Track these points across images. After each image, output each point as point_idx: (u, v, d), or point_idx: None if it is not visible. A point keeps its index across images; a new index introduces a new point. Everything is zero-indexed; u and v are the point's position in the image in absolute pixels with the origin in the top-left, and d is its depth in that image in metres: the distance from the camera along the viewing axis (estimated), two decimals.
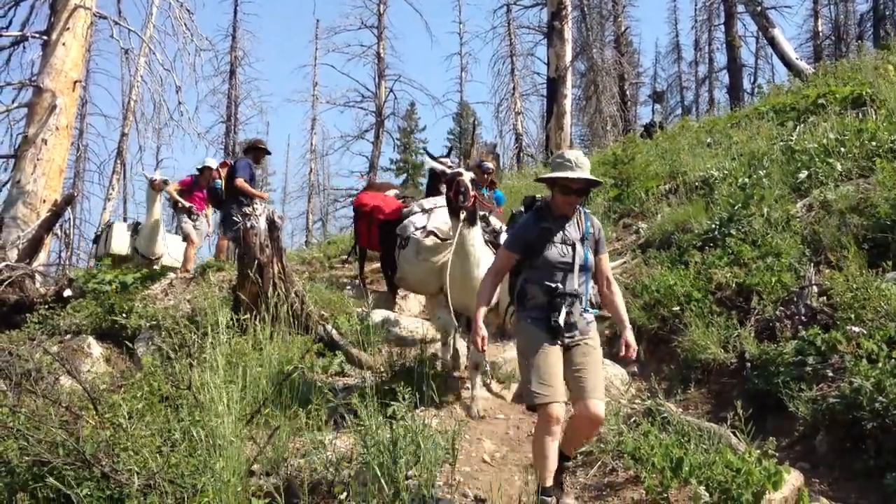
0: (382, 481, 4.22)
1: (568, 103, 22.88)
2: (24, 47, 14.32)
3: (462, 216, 5.89)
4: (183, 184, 12.29)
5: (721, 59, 37.83)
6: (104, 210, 24.29)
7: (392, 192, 10.33)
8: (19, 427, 4.13)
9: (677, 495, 4.58)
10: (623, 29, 31.95)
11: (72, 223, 20.34)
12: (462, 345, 7.13)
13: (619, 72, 28.29)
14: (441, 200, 6.80)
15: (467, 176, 5.89)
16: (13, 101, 13.70)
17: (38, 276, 10.06)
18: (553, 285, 4.43)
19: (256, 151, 11.61)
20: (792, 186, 8.93)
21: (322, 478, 4.38)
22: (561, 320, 4.37)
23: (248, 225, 6.97)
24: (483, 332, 4.48)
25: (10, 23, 14.18)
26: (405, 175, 42.53)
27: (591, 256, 4.58)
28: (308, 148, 38.83)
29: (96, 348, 7.53)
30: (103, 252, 11.99)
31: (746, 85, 33.59)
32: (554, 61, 22.54)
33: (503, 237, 6.33)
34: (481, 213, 7.55)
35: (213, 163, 12.31)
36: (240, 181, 10.67)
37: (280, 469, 4.45)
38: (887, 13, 37.77)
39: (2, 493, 3.97)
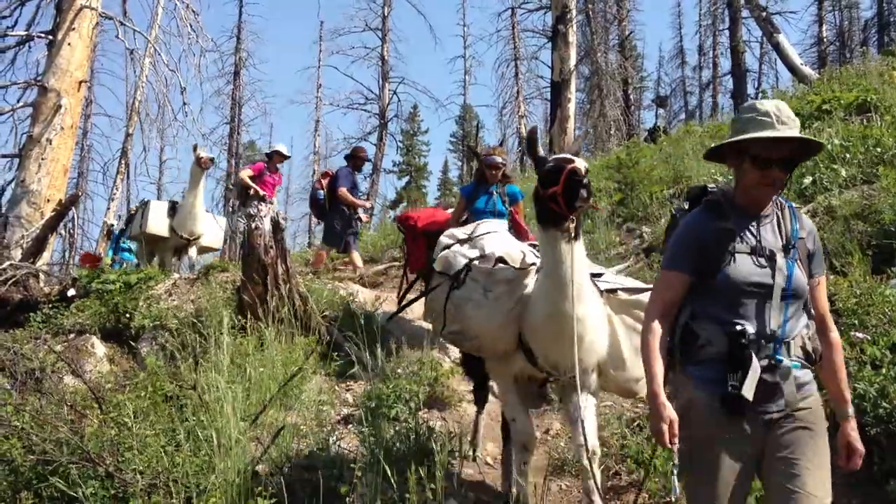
0: (392, 483, 4.23)
1: (572, 107, 22.82)
2: (29, 47, 14.34)
3: (567, 225, 3.90)
4: (255, 170, 12.03)
5: (725, 63, 37.89)
6: (108, 210, 24.30)
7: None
8: (24, 426, 4.14)
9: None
10: (627, 33, 32.00)
11: (75, 223, 20.35)
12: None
13: (623, 76, 28.34)
14: (483, 227, 5.37)
15: (582, 163, 3.87)
16: (18, 101, 13.73)
17: (42, 276, 10.07)
18: (739, 324, 2.91)
19: (356, 159, 11.41)
20: (797, 192, 8.92)
21: (326, 478, 4.38)
22: (750, 389, 2.83)
23: (253, 226, 6.98)
24: (670, 413, 2.83)
25: (16, 22, 14.20)
26: (408, 178, 42.60)
27: (801, 275, 3.02)
28: (312, 150, 38.94)
29: (100, 348, 7.54)
30: (138, 231, 11.87)
31: (750, 90, 33.61)
32: (558, 65, 22.48)
33: (531, 257, 4.59)
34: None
35: (283, 148, 12.34)
36: (342, 191, 10.62)
37: (284, 469, 4.46)
38: (892, 19, 37.81)
39: (6, 491, 3.98)
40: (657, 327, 3.02)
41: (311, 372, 6.25)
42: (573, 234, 3.92)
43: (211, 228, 12.01)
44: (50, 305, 8.47)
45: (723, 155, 3.18)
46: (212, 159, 11.92)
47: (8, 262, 9.33)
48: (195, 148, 11.79)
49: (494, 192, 7.51)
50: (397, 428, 5.03)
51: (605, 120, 25.32)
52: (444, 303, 4.65)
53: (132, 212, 13.13)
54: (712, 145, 3.26)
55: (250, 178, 11.76)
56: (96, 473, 3.81)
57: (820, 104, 12.27)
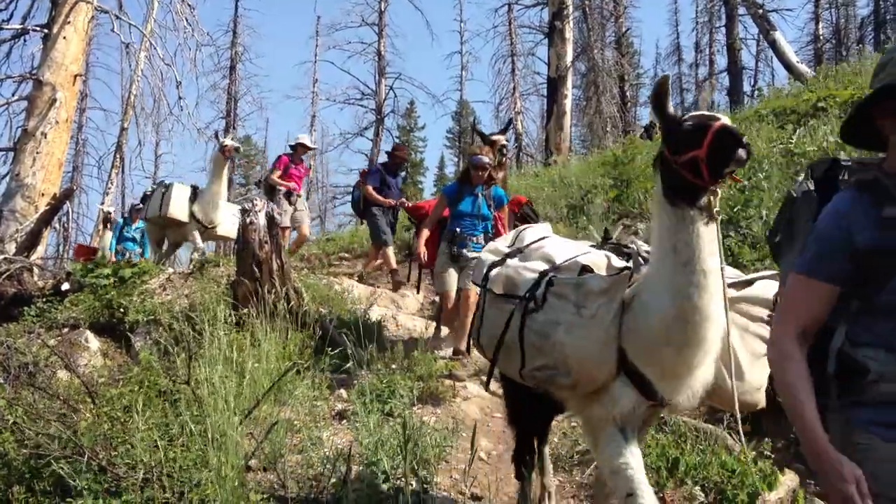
0: (380, 478, 4.24)
1: (568, 103, 22.92)
2: (24, 40, 14.36)
3: (708, 200, 3.10)
4: (281, 165, 11.93)
5: (722, 61, 37.93)
6: (102, 204, 24.28)
7: None
8: (16, 420, 4.13)
9: (673, 495, 4.59)
10: (624, 30, 32.01)
11: (70, 217, 20.35)
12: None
13: (620, 73, 28.35)
14: (529, 233, 4.48)
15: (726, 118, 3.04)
16: (13, 94, 13.76)
17: (36, 270, 10.05)
18: None
19: (393, 157, 11.27)
20: (791, 189, 8.93)
21: (319, 474, 4.38)
22: None
23: (248, 221, 6.97)
24: (853, 471, 2.18)
25: (11, 16, 14.22)
26: (404, 173, 42.59)
27: None
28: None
29: (94, 342, 7.53)
30: (155, 213, 11.70)
31: (747, 87, 33.68)
32: (554, 61, 22.57)
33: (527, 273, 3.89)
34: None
35: (307, 139, 12.33)
36: (367, 189, 10.59)
37: (277, 465, 4.46)
38: (888, 17, 37.84)
39: None
40: (796, 352, 2.34)
41: (306, 367, 6.25)
42: (712, 212, 3.07)
43: (229, 218, 11.91)
44: (44, 299, 8.45)
45: (864, 125, 2.43)
46: (237, 148, 11.78)
47: (2, 256, 9.32)
48: (217, 135, 11.66)
49: (480, 195, 7.37)
50: (391, 423, 5.03)
51: (602, 117, 25.31)
52: (520, 333, 3.65)
53: (148, 192, 12.85)
54: (858, 102, 2.43)
55: (278, 175, 11.73)
56: (89, 467, 3.80)
57: (815, 102, 12.31)
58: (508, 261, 4.15)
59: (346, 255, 14.53)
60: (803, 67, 19.28)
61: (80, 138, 33.64)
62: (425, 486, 4.42)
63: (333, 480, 4.12)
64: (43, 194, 12.44)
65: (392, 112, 34.79)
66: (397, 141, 11.02)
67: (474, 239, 7.29)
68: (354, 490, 4.10)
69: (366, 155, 34.58)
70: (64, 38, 13.17)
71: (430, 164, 49.33)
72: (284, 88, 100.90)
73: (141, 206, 13.23)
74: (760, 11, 20.72)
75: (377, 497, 4.04)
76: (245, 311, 6.20)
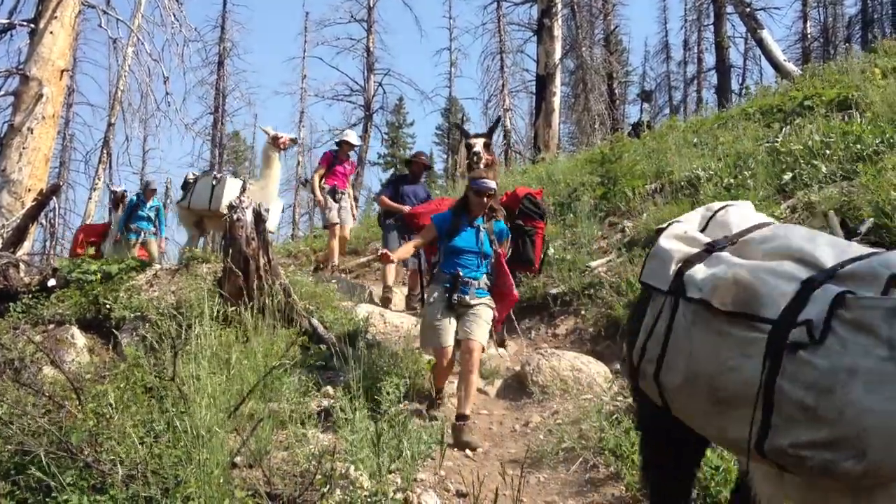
0: (365, 475, 4.25)
1: (557, 101, 22.97)
2: (11, 35, 14.29)
3: None
4: (324, 162, 11.61)
5: (710, 59, 38.13)
6: (89, 200, 24.18)
7: None
8: (1, 416, 4.13)
9: None
10: (612, 27, 32.06)
11: (57, 213, 20.23)
12: None
13: (608, 70, 28.38)
14: (734, 212, 3.17)
15: None
16: None
17: (22, 266, 10.01)
18: None
19: (413, 165, 10.76)
20: (777, 188, 9.00)
21: (304, 471, 4.39)
22: None
23: (235, 217, 6.97)
24: None
25: None
26: (392, 170, 42.58)
27: None
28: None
29: (80, 338, 7.51)
30: (202, 206, 11.52)
31: (734, 85, 33.79)
32: (543, 58, 22.61)
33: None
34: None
35: (352, 136, 12.00)
36: (381, 199, 10.34)
37: (263, 461, 4.46)
38: (875, 16, 38.03)
39: None
40: None
41: (293, 363, 6.25)
42: None
43: (275, 214, 11.73)
44: (30, 295, 8.42)
45: None
46: (293, 139, 11.51)
47: None
48: (267, 129, 11.45)
49: (482, 228, 6.27)
50: (377, 420, 5.05)
51: (590, 114, 25.37)
52: (768, 381, 2.29)
53: (191, 180, 12.38)
54: None
55: (320, 176, 11.42)
56: (75, 464, 3.81)
57: (802, 100, 12.37)
58: (720, 255, 2.82)
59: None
60: (790, 66, 19.36)
61: (67, 133, 33.50)
62: (410, 482, 4.44)
63: (319, 477, 4.13)
64: (29, 190, 12.38)
65: (381, 108, 34.82)
66: (418, 151, 10.56)
67: (477, 283, 6.14)
68: (340, 487, 4.11)
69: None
70: (51, 33, 13.11)
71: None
72: (273, 84, 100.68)
73: (183, 194, 12.60)
74: (748, 10, 20.79)
75: (362, 494, 4.05)
76: (232, 307, 6.20)
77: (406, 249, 6.40)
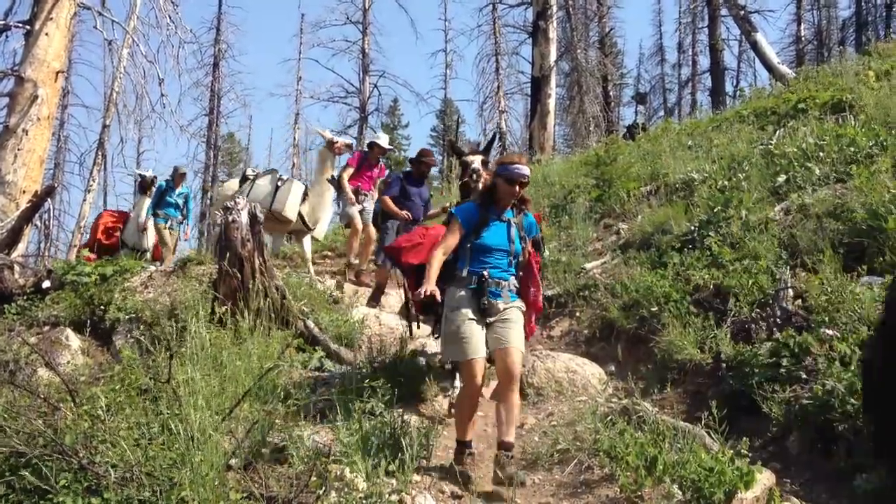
0: (360, 477, 4.26)
1: (552, 103, 22.99)
2: (6, 37, 14.21)
3: None
4: (353, 162, 11.14)
5: (704, 61, 38.26)
6: (84, 202, 24.12)
7: None
8: None
9: (651, 493, 4.63)
10: (607, 30, 32.10)
11: (51, 214, 20.16)
12: None
13: (603, 72, 28.41)
14: None
15: None
16: None
17: (17, 267, 9.99)
18: None
19: (419, 164, 10.20)
20: (770, 190, 9.02)
21: (300, 472, 4.40)
22: None
23: (230, 219, 6.97)
24: None
25: None
26: (388, 172, 42.55)
27: None
28: (291, 142, 38.75)
29: (75, 340, 7.51)
30: (264, 203, 11.02)
31: (729, 88, 33.93)
32: (538, 61, 22.63)
33: None
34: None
35: (384, 140, 11.39)
36: (384, 199, 9.78)
37: (258, 464, 4.47)
38: (870, 19, 38.12)
39: None
40: None
41: (288, 365, 6.26)
42: None
43: (327, 221, 11.65)
44: (25, 297, 8.43)
45: None
46: (349, 145, 11.29)
47: None
48: (324, 132, 11.28)
49: (512, 223, 5.35)
50: (372, 422, 5.05)
51: (585, 116, 25.39)
52: None
53: (249, 175, 12.14)
54: None
55: (349, 174, 10.98)
56: (69, 466, 3.80)
57: (796, 103, 12.40)
58: None
59: (329, 253, 14.53)
60: (784, 68, 19.41)
61: (62, 135, 33.43)
62: (405, 484, 4.45)
63: (314, 479, 4.13)
64: (24, 191, 12.36)
65: (376, 110, 34.86)
66: (423, 149, 9.95)
67: (507, 284, 5.25)
68: (335, 489, 4.12)
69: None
70: (46, 34, 13.10)
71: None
72: (268, 86, 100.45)
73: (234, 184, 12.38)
74: (742, 13, 20.86)
75: (357, 496, 4.06)
76: (227, 309, 6.20)
77: (436, 262, 5.14)
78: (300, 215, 11.22)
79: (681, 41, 42.92)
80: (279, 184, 11.40)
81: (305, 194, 11.33)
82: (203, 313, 5.52)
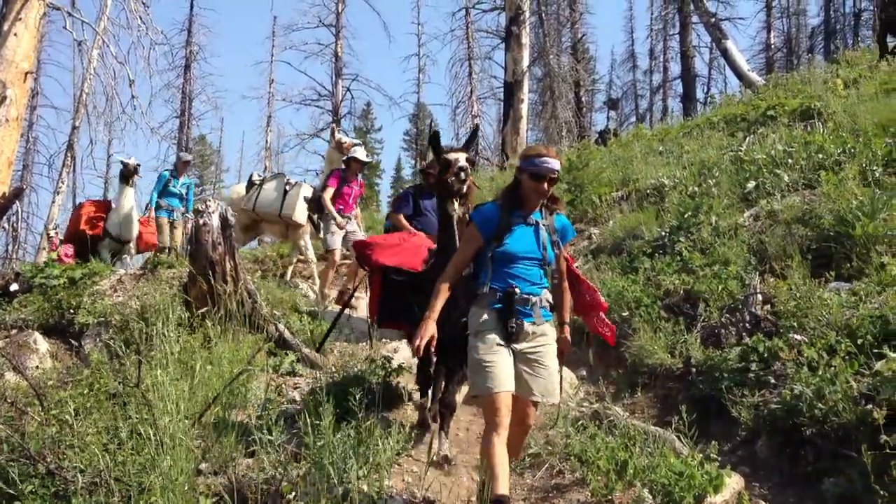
0: (331, 482, 4.24)
1: (524, 108, 23.05)
2: None
3: None
4: (332, 183, 10.26)
5: (675, 68, 38.62)
6: (53, 203, 23.89)
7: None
8: None
9: (622, 497, 4.66)
10: (580, 36, 32.30)
11: (19, 217, 19.97)
12: None
13: (575, 78, 28.57)
14: None
15: None
16: None
17: None
18: None
19: (426, 175, 9.11)
20: (740, 196, 9.11)
21: (270, 477, 4.38)
22: None
23: (201, 222, 6.92)
24: None
25: None
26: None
27: None
28: (263, 145, 38.58)
29: (43, 344, 7.43)
30: (270, 210, 11.13)
31: (700, 94, 34.18)
32: (511, 66, 22.69)
33: None
34: None
35: (361, 153, 10.47)
36: (397, 218, 8.80)
37: (228, 468, 4.44)
38: (838, 27, 38.66)
39: None
40: None
41: (259, 369, 6.23)
42: None
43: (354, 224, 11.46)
44: None
45: None
46: (357, 145, 10.80)
47: None
48: (333, 131, 11.00)
49: (541, 225, 4.40)
50: (343, 426, 5.04)
51: (557, 121, 25.52)
52: None
53: (256, 180, 11.87)
54: None
55: (332, 193, 10.19)
56: (36, 472, 3.77)
57: (765, 110, 12.55)
58: None
59: (301, 258, 14.47)
60: (754, 76, 19.62)
61: (31, 136, 33.13)
62: (377, 489, 4.44)
63: (285, 484, 4.12)
64: None
65: (349, 113, 34.76)
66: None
67: (538, 300, 4.30)
68: (306, 493, 4.10)
69: (322, 156, 34.40)
70: (15, 34, 12.94)
71: (386, 166, 49.51)
72: (240, 88, 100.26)
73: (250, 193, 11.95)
74: (713, 20, 21.05)
75: (329, 501, 4.05)
76: (198, 312, 6.16)
77: (442, 293, 4.29)
78: (310, 218, 11.06)
79: (652, 48, 43.37)
80: (287, 188, 11.26)
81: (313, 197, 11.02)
82: (173, 317, 5.49)
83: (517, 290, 4.22)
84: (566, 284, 4.64)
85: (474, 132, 8.25)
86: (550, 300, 4.40)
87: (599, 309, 5.06)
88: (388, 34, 49.89)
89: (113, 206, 12.72)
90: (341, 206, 10.27)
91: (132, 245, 12.65)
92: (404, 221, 8.70)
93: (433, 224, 8.53)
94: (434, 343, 4.15)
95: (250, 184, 12.05)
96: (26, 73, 13.32)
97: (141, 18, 15.26)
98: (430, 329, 4.12)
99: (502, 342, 4.20)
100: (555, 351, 4.40)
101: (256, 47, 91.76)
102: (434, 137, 5.41)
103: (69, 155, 24.09)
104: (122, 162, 12.67)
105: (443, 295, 4.26)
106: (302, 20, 34.17)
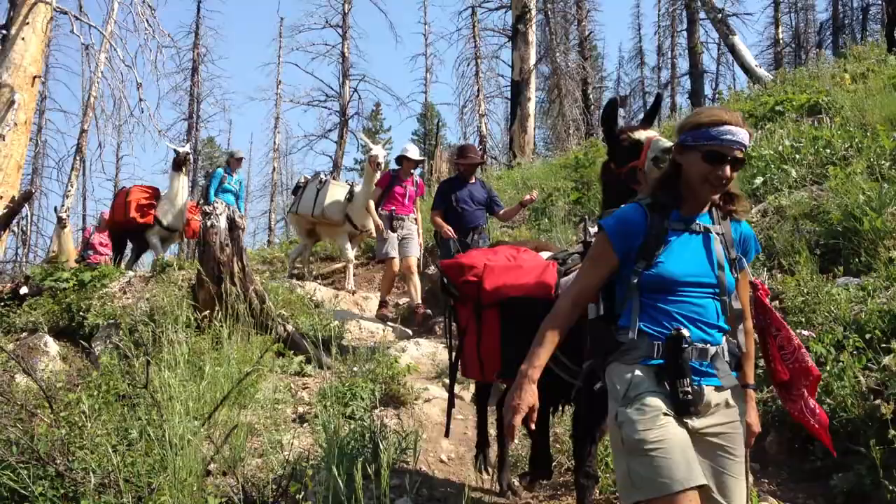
0: (339, 481, 4.25)
1: (532, 106, 23.03)
2: None
3: None
4: (381, 184, 9.78)
5: (683, 64, 38.48)
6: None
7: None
8: None
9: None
10: (587, 33, 32.19)
11: (29, 220, 20.06)
12: None
13: (583, 76, 28.48)
14: None
15: None
16: None
17: None
18: None
19: (459, 166, 8.96)
20: (747, 192, 9.08)
21: (280, 477, 4.39)
22: None
23: (208, 224, 6.96)
24: None
25: None
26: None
27: None
28: (271, 146, 38.70)
29: (53, 346, 7.47)
30: (308, 211, 11.07)
31: (708, 90, 34.13)
32: (518, 64, 22.67)
33: None
34: None
35: (413, 151, 9.92)
36: (432, 217, 8.71)
37: (237, 469, 4.46)
38: (846, 22, 38.49)
39: None
40: None
41: (268, 370, 6.25)
42: None
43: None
44: (2, 303, 8.38)
45: None
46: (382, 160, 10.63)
47: None
48: (374, 148, 10.66)
49: (713, 233, 2.84)
50: (352, 426, 5.05)
51: (565, 119, 25.48)
52: None
53: (301, 183, 11.85)
54: None
55: (378, 195, 9.71)
56: (46, 473, 3.79)
57: (773, 105, 12.48)
58: None
59: (311, 258, 14.52)
60: (762, 71, 19.52)
61: (40, 140, 33.21)
62: (385, 488, 4.45)
63: (293, 484, 4.13)
64: (1, 197, 12.27)
65: (357, 114, 34.72)
66: (464, 144, 8.84)
67: (720, 351, 2.77)
68: (314, 493, 4.11)
69: (330, 157, 34.48)
70: (22, 39, 13.02)
71: (394, 166, 49.51)
72: (248, 90, 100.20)
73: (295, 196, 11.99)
74: (720, 16, 20.96)
75: (337, 500, 4.06)
76: (206, 314, 6.19)
77: (550, 337, 2.80)
78: (347, 217, 10.91)
79: (660, 44, 43.20)
80: (318, 186, 11.24)
81: (351, 196, 10.91)
82: (182, 318, 5.51)
83: (686, 336, 2.65)
84: (751, 325, 3.07)
85: (657, 101, 5.22)
86: (737, 349, 2.89)
87: (808, 378, 3.24)
88: (395, 34, 50.03)
89: (164, 193, 12.39)
90: (394, 207, 9.57)
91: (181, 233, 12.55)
92: (439, 220, 8.52)
93: (472, 214, 8.58)
94: (534, 416, 2.73)
95: (296, 187, 12.07)
96: (34, 77, 13.41)
97: (148, 22, 15.33)
98: (528, 398, 2.71)
99: (670, 413, 2.62)
100: (741, 427, 2.82)
101: (263, 49, 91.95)
102: (611, 107, 4.16)
103: (78, 158, 24.15)
104: (174, 150, 12.46)
105: (549, 343, 2.79)
106: (308, 21, 34.21)
